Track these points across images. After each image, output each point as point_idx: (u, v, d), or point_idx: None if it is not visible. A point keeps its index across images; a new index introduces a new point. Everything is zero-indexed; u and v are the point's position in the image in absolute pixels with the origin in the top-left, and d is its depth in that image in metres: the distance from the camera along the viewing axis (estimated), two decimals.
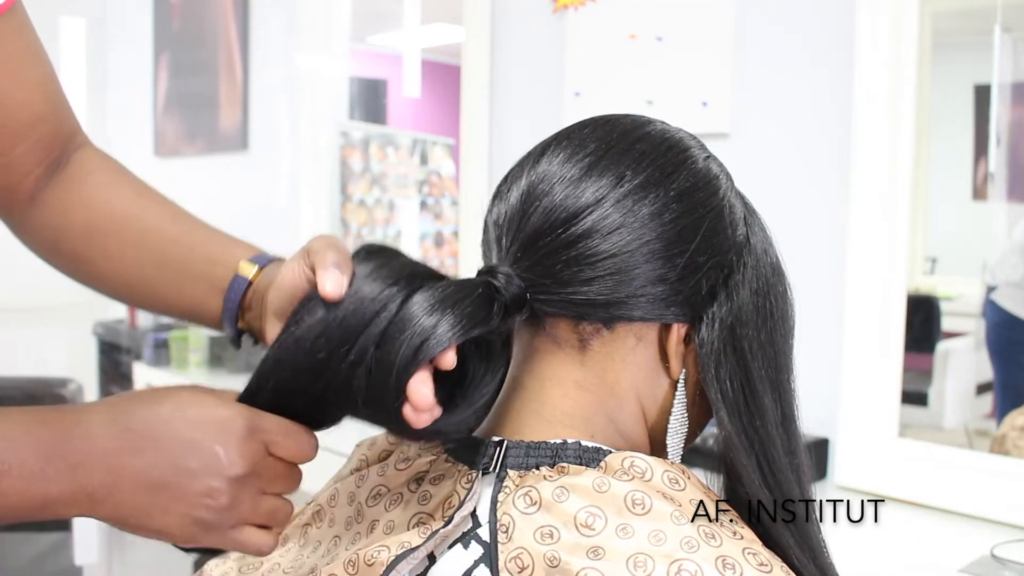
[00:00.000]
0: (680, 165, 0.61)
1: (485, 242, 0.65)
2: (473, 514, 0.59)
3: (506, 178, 0.65)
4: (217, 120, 3.27)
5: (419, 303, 0.55)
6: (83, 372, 3.04)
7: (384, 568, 0.57)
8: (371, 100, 4.05)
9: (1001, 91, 1.75)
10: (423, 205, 3.79)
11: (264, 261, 0.71)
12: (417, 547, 0.57)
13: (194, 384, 0.57)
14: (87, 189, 0.76)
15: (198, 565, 1.94)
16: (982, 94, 1.80)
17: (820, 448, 1.58)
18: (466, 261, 2.24)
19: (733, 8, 1.72)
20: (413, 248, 2.82)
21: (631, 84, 1.86)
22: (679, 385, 0.62)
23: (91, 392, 3.22)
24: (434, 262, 3.83)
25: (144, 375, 2.87)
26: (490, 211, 0.64)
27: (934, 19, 1.68)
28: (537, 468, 0.59)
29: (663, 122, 0.65)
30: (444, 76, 4.28)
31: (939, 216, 1.87)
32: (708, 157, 0.63)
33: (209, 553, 0.65)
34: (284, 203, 2.96)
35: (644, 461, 0.58)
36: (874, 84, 1.52)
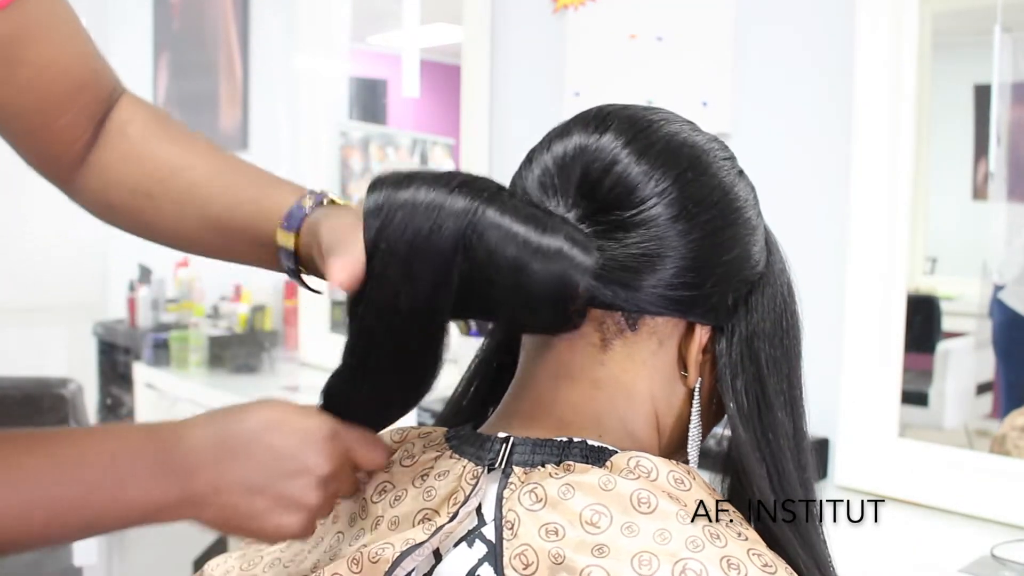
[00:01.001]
0: (729, 174, 0.62)
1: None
2: (479, 511, 0.59)
3: (543, 143, 0.64)
4: (217, 120, 3.27)
5: (516, 224, 0.56)
6: (83, 372, 3.05)
7: (389, 565, 0.57)
8: (371, 100, 4.05)
9: (1001, 91, 1.75)
10: None
11: (299, 218, 0.68)
12: (422, 543, 0.57)
13: (275, 399, 0.61)
14: (128, 143, 0.75)
15: (198, 565, 1.94)
16: (982, 94, 1.80)
17: (820, 448, 1.58)
18: None
19: (733, 8, 1.72)
20: None
21: (631, 84, 1.86)
22: (695, 393, 0.63)
23: (91, 392, 3.22)
24: None
25: (144, 375, 2.87)
26: (525, 174, 0.63)
27: (934, 19, 1.68)
28: (543, 465, 0.59)
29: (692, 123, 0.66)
30: (444, 76, 4.27)
31: (939, 216, 1.87)
32: (741, 172, 0.65)
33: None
34: None
35: (650, 461, 0.58)
36: (874, 84, 1.52)
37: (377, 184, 0.56)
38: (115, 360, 3.25)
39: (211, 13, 3.27)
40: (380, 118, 4.06)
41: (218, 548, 2.06)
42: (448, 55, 3.80)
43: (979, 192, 1.85)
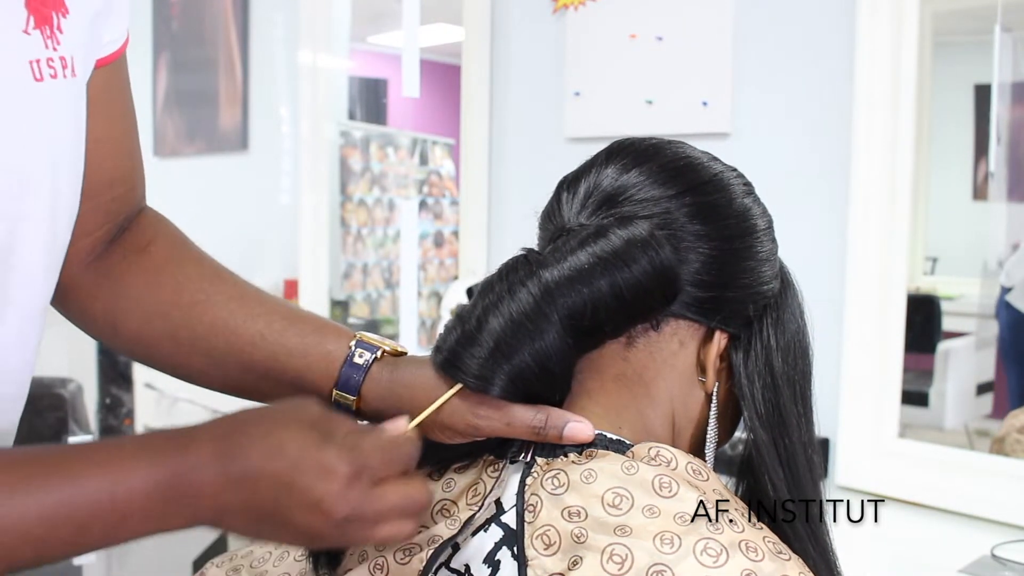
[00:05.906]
0: (745, 197, 0.65)
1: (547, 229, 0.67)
2: (497, 501, 0.61)
3: (568, 178, 0.67)
4: (217, 120, 3.27)
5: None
6: (83, 372, 3.04)
7: (424, 564, 0.58)
8: (371, 100, 4.05)
9: (1001, 91, 1.75)
10: (423, 205, 3.79)
11: (358, 382, 0.65)
12: (450, 539, 0.59)
13: (309, 404, 0.55)
14: (148, 261, 0.71)
15: (198, 565, 1.94)
16: (982, 94, 1.80)
17: (820, 448, 1.58)
18: (466, 261, 2.24)
19: (733, 8, 1.72)
20: (413, 248, 2.82)
21: (631, 84, 1.86)
22: (713, 398, 0.65)
23: (91, 392, 3.21)
24: (434, 262, 3.83)
25: (144, 375, 2.87)
26: (560, 205, 0.66)
27: (934, 19, 1.68)
28: (565, 455, 0.61)
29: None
30: (444, 76, 4.27)
31: (939, 216, 1.87)
32: (758, 199, 0.67)
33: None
34: (284, 203, 2.96)
35: (669, 451, 0.61)
36: (874, 84, 1.52)
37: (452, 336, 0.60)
38: (115, 360, 3.25)
39: (211, 12, 3.27)
40: (380, 118, 4.06)
41: (218, 548, 2.06)
42: (448, 55, 3.80)
43: (979, 192, 1.85)
